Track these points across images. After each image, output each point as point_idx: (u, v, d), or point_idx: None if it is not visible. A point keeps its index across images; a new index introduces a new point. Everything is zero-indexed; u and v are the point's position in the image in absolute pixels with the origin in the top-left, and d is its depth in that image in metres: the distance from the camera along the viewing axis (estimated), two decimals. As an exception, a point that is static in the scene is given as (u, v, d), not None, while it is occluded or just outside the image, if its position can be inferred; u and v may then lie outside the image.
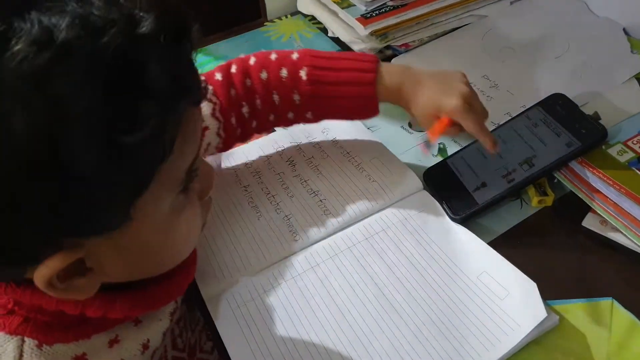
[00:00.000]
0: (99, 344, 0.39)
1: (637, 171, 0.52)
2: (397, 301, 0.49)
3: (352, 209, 0.57)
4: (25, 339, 0.36)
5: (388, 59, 0.77)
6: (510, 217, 0.57)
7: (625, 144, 0.55)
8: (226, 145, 0.58)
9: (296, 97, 0.56)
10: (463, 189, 0.57)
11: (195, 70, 0.33)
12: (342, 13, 0.79)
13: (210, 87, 0.54)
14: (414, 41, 0.78)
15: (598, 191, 0.53)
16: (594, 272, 0.52)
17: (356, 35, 0.78)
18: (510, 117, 0.62)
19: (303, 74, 0.55)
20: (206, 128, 0.53)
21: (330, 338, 0.47)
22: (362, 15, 0.77)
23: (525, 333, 0.45)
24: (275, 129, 0.69)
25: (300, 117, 0.58)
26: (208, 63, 0.83)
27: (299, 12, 0.94)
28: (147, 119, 0.28)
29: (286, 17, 0.94)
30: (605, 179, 0.52)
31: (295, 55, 0.56)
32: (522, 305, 0.47)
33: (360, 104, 0.56)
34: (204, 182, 0.39)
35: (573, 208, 0.56)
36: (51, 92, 0.25)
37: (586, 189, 0.54)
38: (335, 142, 0.66)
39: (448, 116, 0.52)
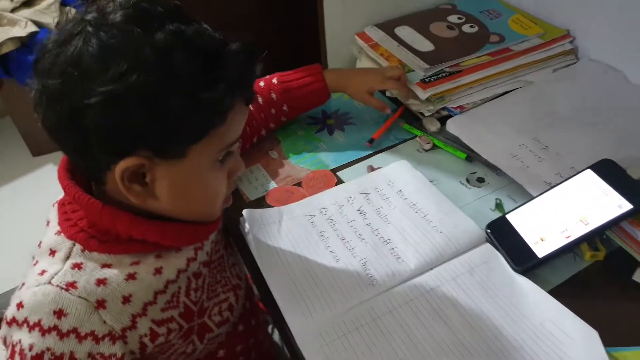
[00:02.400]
0: (124, 261, 0.53)
1: (683, 232, 0.59)
2: (471, 344, 0.55)
3: (423, 258, 0.64)
4: (76, 243, 0.52)
5: (444, 119, 0.85)
6: (564, 270, 0.63)
7: (670, 206, 0.62)
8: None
9: (273, 95, 0.82)
10: (523, 242, 0.63)
11: (254, 80, 0.54)
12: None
13: None
14: (467, 104, 0.86)
15: (648, 249, 0.59)
16: (645, 323, 0.57)
17: (415, 97, 0.86)
18: (561, 178, 0.69)
19: (275, 80, 0.83)
20: None
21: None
22: (421, 80, 0.85)
23: (588, 376, 0.51)
24: (344, 180, 0.77)
25: (280, 111, 0.84)
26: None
27: (356, 72, 1.03)
28: (220, 90, 0.48)
29: (345, 76, 1.03)
30: (655, 238, 0.58)
31: (267, 76, 0.84)
32: (586, 352, 0.53)
33: (316, 88, 0.83)
34: (235, 166, 0.57)
35: (623, 263, 0.62)
36: (176, 60, 0.46)
37: (636, 247, 0.60)
38: (400, 193, 0.73)
39: (378, 87, 0.86)
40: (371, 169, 0.80)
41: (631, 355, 0.54)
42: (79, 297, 0.50)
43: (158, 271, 0.55)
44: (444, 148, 0.81)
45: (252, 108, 0.79)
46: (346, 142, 0.86)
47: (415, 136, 0.85)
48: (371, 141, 0.84)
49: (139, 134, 0.47)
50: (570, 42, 0.94)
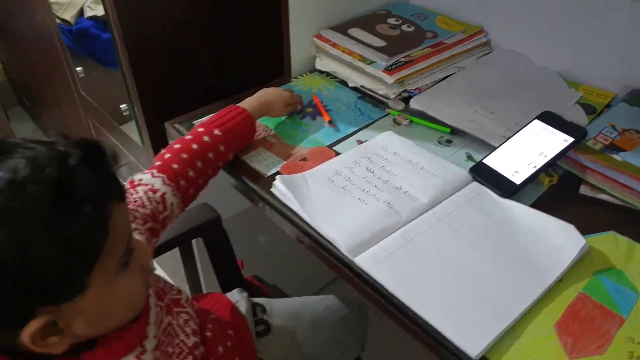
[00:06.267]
0: None
1: (607, 154, 0.82)
2: (485, 249, 0.72)
3: (432, 195, 0.80)
4: None
5: (407, 99, 1.04)
6: (532, 194, 0.83)
7: (594, 139, 0.85)
8: (185, 200, 0.79)
9: (221, 147, 0.83)
10: (502, 176, 0.82)
11: (115, 177, 0.51)
12: (368, 68, 1.04)
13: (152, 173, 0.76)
14: (422, 86, 1.06)
15: (589, 168, 0.81)
16: (595, 219, 0.78)
17: (381, 83, 1.04)
18: (511, 132, 0.90)
19: (217, 132, 0.83)
20: (164, 193, 0.74)
21: (445, 270, 0.69)
22: (385, 69, 1.03)
23: (575, 253, 0.70)
24: (340, 152, 0.91)
25: (219, 154, 0.83)
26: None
27: (315, 70, 1.18)
28: (83, 215, 0.45)
29: (306, 74, 1.17)
30: (592, 159, 0.80)
31: (201, 129, 0.83)
32: (569, 239, 0.72)
33: (247, 123, 0.88)
34: (141, 256, 0.56)
35: (571, 182, 0.84)
36: (18, 211, 0.42)
37: (580, 168, 0.82)
38: (396, 155, 0.89)
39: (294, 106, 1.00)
40: (359, 142, 0.95)
41: (592, 239, 0.74)
42: None
43: None
44: (423, 124, 0.99)
45: (200, 165, 0.80)
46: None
47: (386, 115, 1.02)
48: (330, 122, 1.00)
49: (30, 303, 0.44)
50: (485, 36, 1.18)
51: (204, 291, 1.14)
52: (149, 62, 1.12)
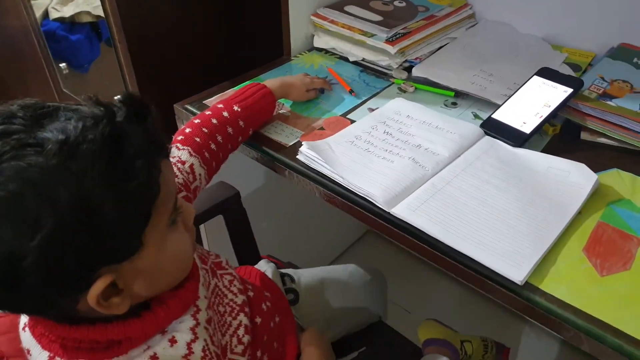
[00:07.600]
0: (136, 354, 0.52)
1: (603, 101, 0.90)
2: (509, 189, 0.78)
3: (451, 149, 0.86)
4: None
5: (408, 69, 1.09)
6: (539, 143, 0.90)
7: (589, 89, 0.93)
8: (210, 172, 0.81)
9: (241, 123, 0.86)
10: (512, 128, 0.89)
11: (160, 133, 0.51)
12: (370, 41, 1.09)
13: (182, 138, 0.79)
14: (421, 55, 1.12)
15: (588, 114, 0.89)
16: (598, 160, 0.85)
17: (383, 54, 1.09)
18: (512, 90, 0.97)
19: (237, 107, 0.86)
20: (192, 164, 0.77)
21: (479, 211, 0.74)
22: (387, 40, 1.08)
23: (589, 187, 0.77)
24: (355, 115, 0.96)
25: (239, 130, 0.86)
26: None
27: (314, 48, 1.22)
28: (138, 170, 0.45)
29: (304, 53, 1.21)
30: (591, 106, 0.88)
31: (220, 105, 0.86)
32: (581, 176, 0.79)
33: (267, 100, 0.91)
34: (187, 215, 0.57)
35: (572, 130, 0.91)
36: (76, 171, 0.42)
37: (580, 116, 0.90)
38: (409, 117, 0.94)
39: (315, 88, 1.02)
40: (371, 110, 1.00)
41: (602, 176, 0.81)
42: None
43: (173, 341, 0.55)
44: (428, 89, 1.05)
45: (220, 139, 0.82)
46: (338, 96, 1.05)
47: (391, 84, 1.07)
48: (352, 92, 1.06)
49: (92, 262, 0.45)
50: (470, 8, 1.25)
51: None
52: (147, 48, 1.13)
